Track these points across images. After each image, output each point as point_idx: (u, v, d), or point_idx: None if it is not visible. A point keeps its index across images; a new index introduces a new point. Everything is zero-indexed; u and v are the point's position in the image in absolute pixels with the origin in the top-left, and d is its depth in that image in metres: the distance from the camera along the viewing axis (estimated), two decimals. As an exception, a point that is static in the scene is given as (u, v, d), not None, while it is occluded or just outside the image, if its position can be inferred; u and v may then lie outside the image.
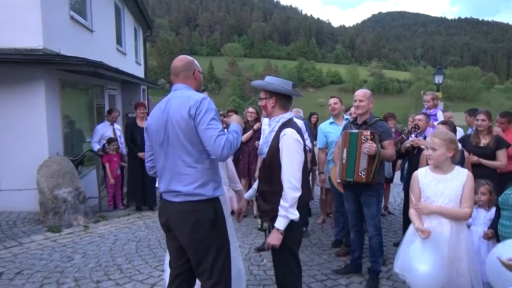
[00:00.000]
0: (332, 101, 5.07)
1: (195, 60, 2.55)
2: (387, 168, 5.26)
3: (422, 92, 6.46)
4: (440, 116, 5.30)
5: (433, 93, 5.76)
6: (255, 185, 2.96)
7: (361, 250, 4.07)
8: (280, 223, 2.51)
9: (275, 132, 2.66)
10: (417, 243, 2.70)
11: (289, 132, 2.56)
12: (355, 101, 3.77)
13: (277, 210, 2.55)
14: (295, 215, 2.51)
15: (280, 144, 2.56)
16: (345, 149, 3.70)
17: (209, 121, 2.23)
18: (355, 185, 3.72)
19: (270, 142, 2.65)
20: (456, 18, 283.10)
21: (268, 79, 2.76)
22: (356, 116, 3.87)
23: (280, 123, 2.66)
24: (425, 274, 2.54)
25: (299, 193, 2.51)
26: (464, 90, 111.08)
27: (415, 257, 2.64)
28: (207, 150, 2.26)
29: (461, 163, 3.60)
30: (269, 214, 2.65)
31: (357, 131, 3.66)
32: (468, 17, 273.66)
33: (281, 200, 2.52)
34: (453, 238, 2.74)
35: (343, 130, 4.04)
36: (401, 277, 2.91)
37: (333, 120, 5.05)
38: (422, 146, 4.49)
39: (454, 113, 7.64)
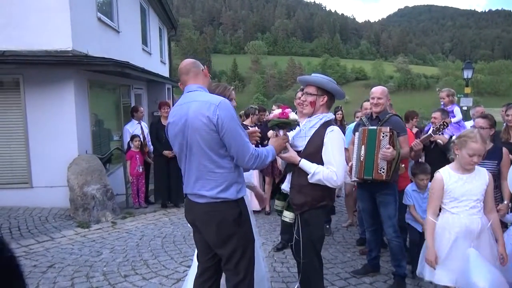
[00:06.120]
0: (367, 105, 4.94)
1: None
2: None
3: (437, 89, 6.30)
4: (458, 112, 5.18)
5: (448, 89, 5.61)
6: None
7: (378, 249, 4.02)
8: (305, 165, 2.63)
9: (315, 129, 2.70)
10: (471, 255, 2.63)
11: (336, 129, 2.67)
12: (373, 98, 3.75)
13: (311, 203, 2.65)
14: (313, 175, 2.60)
15: (325, 139, 2.63)
16: (363, 146, 3.59)
17: (233, 129, 2.25)
18: (371, 183, 3.62)
19: (310, 137, 2.70)
20: (486, 10, 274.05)
21: (317, 74, 2.78)
22: (371, 113, 3.86)
23: (322, 121, 2.71)
24: None
25: (337, 184, 2.61)
26: (495, 84, 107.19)
27: (471, 270, 2.55)
28: (233, 157, 2.30)
29: (499, 160, 3.49)
30: (303, 207, 2.69)
31: (375, 127, 3.56)
32: (500, 9, 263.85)
33: (329, 167, 2.59)
34: (484, 238, 2.72)
35: (356, 127, 3.99)
36: (427, 281, 2.88)
37: None
38: (439, 141, 4.42)
39: (485, 109, 7.37)
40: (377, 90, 3.79)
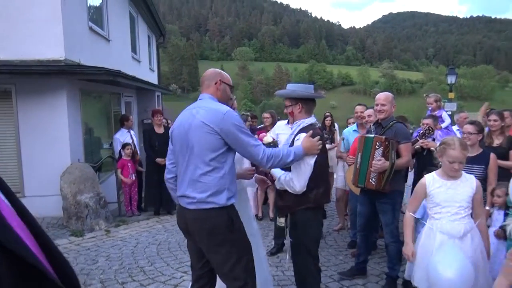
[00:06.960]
0: (359, 109, 4.99)
1: (223, 73, 2.65)
2: None
3: (424, 95, 6.45)
4: (446, 117, 5.36)
5: (435, 95, 5.77)
6: None
7: (367, 254, 4.10)
8: (275, 171, 2.82)
9: (294, 135, 2.82)
10: (446, 245, 2.67)
11: (303, 136, 2.70)
12: (377, 105, 3.71)
13: (292, 207, 2.75)
14: (277, 180, 2.81)
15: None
16: (359, 153, 3.63)
17: (239, 138, 2.35)
18: (369, 190, 3.66)
19: (289, 144, 2.82)
20: (468, 16, 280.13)
21: (290, 86, 2.90)
22: (377, 119, 3.86)
23: (300, 127, 2.82)
24: (451, 279, 2.46)
25: (294, 190, 2.70)
26: (478, 89, 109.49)
27: (439, 261, 2.57)
28: (253, 162, 2.43)
29: (486, 165, 3.60)
30: (285, 210, 2.84)
31: (372, 136, 3.57)
32: (480, 15, 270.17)
33: (290, 175, 2.70)
34: (466, 239, 2.76)
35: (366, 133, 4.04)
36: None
37: (356, 128, 5.05)
38: (432, 148, 4.56)
39: (469, 113, 7.62)
40: (380, 97, 3.73)
